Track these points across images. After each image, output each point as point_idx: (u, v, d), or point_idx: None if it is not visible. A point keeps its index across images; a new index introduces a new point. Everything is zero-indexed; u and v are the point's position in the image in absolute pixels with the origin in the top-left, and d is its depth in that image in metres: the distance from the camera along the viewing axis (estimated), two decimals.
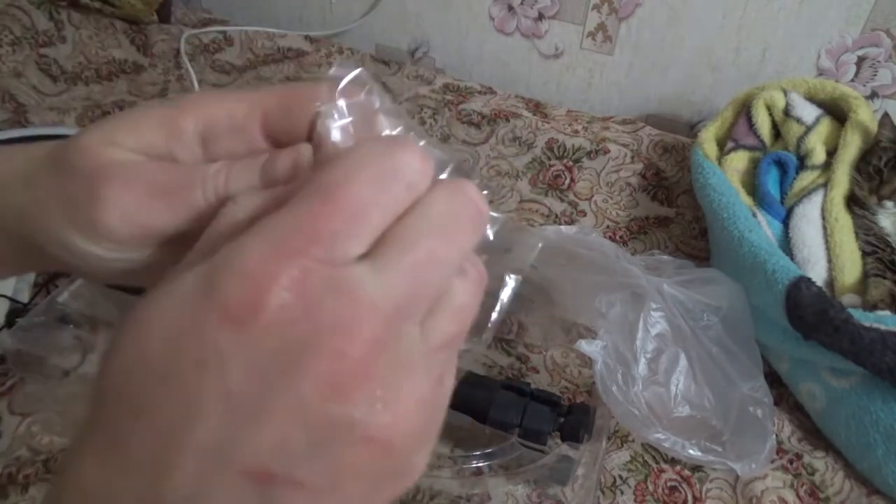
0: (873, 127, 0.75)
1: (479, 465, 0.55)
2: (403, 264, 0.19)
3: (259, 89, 0.25)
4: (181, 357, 0.17)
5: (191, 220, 0.22)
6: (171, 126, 0.24)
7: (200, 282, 0.18)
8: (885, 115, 0.73)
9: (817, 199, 0.72)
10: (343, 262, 0.18)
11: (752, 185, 0.78)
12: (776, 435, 0.60)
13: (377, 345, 0.18)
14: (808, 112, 0.79)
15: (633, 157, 0.91)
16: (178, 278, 0.18)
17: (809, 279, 0.59)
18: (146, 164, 0.23)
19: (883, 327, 0.54)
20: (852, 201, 0.72)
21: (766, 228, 0.71)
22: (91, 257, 0.23)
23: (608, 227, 0.86)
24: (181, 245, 0.21)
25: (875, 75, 0.91)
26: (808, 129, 0.78)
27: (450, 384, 0.21)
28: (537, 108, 1.01)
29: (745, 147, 0.81)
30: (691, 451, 0.53)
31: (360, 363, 0.17)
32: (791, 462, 0.60)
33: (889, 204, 0.69)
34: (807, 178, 0.76)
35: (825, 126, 0.78)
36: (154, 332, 0.18)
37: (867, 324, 0.55)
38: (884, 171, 0.69)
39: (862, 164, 0.72)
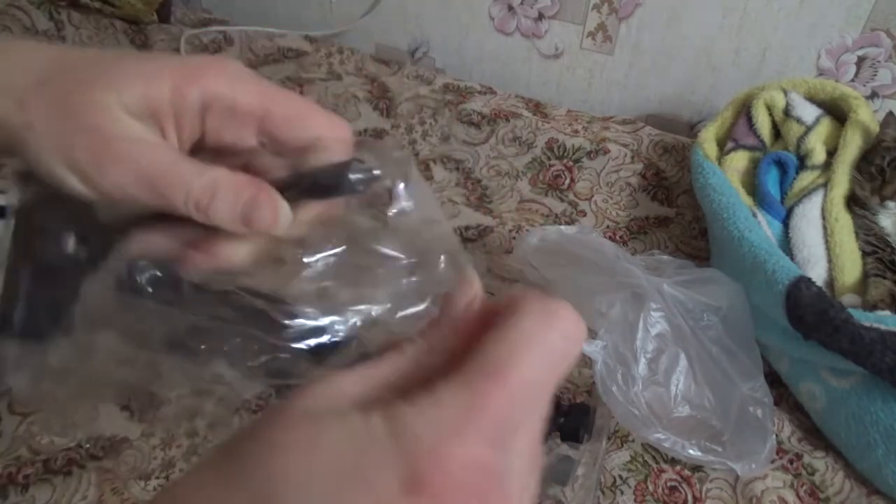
0: (874, 127, 0.75)
1: None
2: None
3: (269, 88, 0.26)
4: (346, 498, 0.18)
5: (166, 208, 0.24)
6: (178, 94, 0.24)
7: (387, 444, 0.18)
8: (889, 115, 0.73)
9: (817, 199, 0.72)
10: (506, 448, 0.19)
11: (752, 185, 0.78)
12: (776, 435, 0.60)
13: None
14: (808, 112, 0.79)
15: (633, 157, 0.91)
16: (357, 421, 0.19)
17: (809, 279, 0.59)
18: (146, 149, 0.24)
19: (883, 327, 0.54)
20: (852, 201, 0.72)
21: (766, 228, 0.71)
22: (70, 189, 0.24)
23: (608, 227, 0.86)
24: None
25: (875, 75, 0.91)
26: (808, 129, 0.78)
27: None
28: (537, 108, 1.01)
29: (745, 147, 0.81)
30: (691, 451, 0.53)
31: None
32: (791, 462, 0.60)
33: (891, 204, 0.69)
34: (807, 178, 0.76)
35: (825, 126, 0.78)
36: (326, 463, 0.18)
37: (867, 324, 0.55)
38: (886, 171, 0.69)
39: (863, 164, 0.72)
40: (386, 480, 0.18)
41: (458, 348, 0.21)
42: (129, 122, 0.24)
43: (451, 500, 0.18)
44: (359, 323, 0.26)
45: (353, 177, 0.25)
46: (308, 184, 0.26)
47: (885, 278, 0.65)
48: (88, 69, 0.24)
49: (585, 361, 0.66)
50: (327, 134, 0.26)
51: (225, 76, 0.25)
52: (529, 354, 0.20)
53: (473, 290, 0.24)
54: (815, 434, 0.62)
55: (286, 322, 0.32)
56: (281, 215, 0.25)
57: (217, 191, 0.24)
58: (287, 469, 0.18)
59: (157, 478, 0.54)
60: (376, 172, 0.25)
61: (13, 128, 0.24)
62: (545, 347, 0.20)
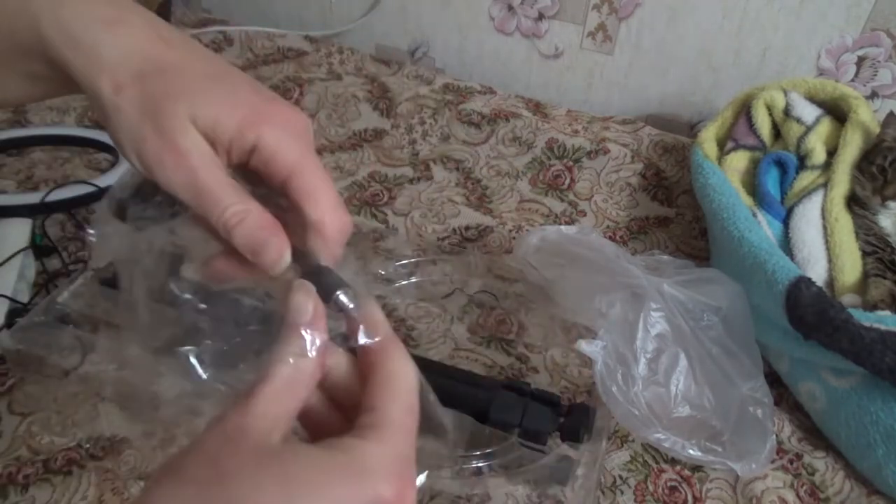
0: (874, 127, 0.75)
1: (479, 465, 0.55)
2: None
3: (306, 156, 0.31)
4: None
5: (201, 214, 0.29)
6: (240, 132, 0.29)
7: (351, 474, 0.25)
8: (891, 114, 0.72)
9: (817, 199, 0.72)
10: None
11: (752, 185, 0.78)
12: (776, 435, 0.60)
13: None
14: (808, 112, 0.79)
15: (633, 157, 0.91)
16: (322, 456, 0.25)
17: (809, 279, 0.59)
18: (203, 164, 0.29)
19: (883, 327, 0.54)
20: (852, 201, 0.72)
21: (766, 228, 0.71)
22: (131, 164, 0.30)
23: (608, 227, 0.86)
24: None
25: (875, 75, 0.91)
26: (808, 129, 0.78)
27: None
28: (537, 108, 1.01)
29: (745, 147, 0.81)
30: (691, 451, 0.53)
31: None
32: (791, 462, 0.60)
33: (893, 204, 0.69)
34: (807, 178, 0.76)
35: (825, 126, 0.78)
36: (305, 497, 0.24)
37: (867, 324, 0.55)
38: (888, 171, 0.69)
39: (864, 164, 0.72)
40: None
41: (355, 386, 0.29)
42: (196, 137, 0.28)
43: None
44: None
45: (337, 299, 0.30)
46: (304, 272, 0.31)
47: (885, 278, 0.65)
48: (178, 80, 0.29)
49: (585, 361, 0.67)
50: (327, 223, 0.30)
51: (282, 130, 0.30)
52: (410, 408, 0.28)
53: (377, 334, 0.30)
54: (815, 434, 0.62)
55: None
56: (281, 262, 0.30)
57: (245, 219, 0.29)
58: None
59: None
60: (352, 311, 0.30)
61: (105, 102, 0.28)
62: (413, 398, 0.29)
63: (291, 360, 0.27)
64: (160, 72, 0.29)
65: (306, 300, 0.28)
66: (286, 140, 0.30)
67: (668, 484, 0.58)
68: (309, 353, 0.27)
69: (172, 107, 0.28)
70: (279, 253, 0.29)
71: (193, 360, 0.50)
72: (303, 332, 0.28)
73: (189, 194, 0.29)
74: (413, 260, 0.78)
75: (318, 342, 0.28)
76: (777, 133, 0.83)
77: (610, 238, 0.84)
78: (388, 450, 0.26)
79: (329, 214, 0.30)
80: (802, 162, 0.78)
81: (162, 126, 0.28)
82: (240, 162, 0.30)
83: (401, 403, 0.28)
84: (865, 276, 0.67)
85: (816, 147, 0.77)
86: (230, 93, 0.30)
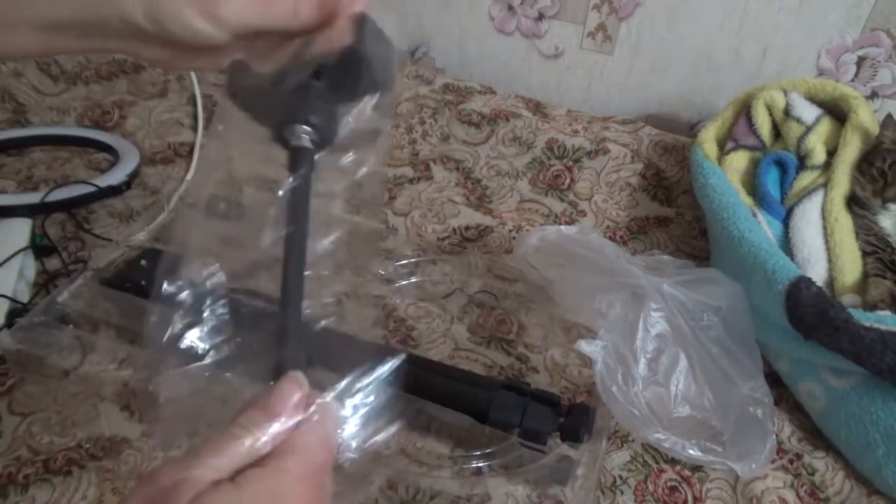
0: (874, 127, 0.75)
1: (479, 465, 0.55)
2: None
3: None
4: None
5: (274, 24, 0.33)
6: None
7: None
8: (889, 117, 0.72)
9: (817, 199, 0.72)
10: None
11: (752, 185, 0.78)
12: (776, 435, 0.60)
13: None
14: (808, 112, 0.79)
15: (633, 157, 0.91)
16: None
17: (809, 279, 0.59)
18: None
19: (883, 327, 0.54)
20: (852, 201, 0.72)
21: (766, 228, 0.71)
22: (198, 35, 0.33)
23: (608, 227, 0.86)
24: (256, 40, 0.35)
25: (875, 75, 0.91)
26: (809, 129, 0.78)
27: None
28: (537, 108, 1.01)
29: (745, 147, 0.81)
30: (691, 451, 0.53)
31: None
32: (791, 462, 0.60)
33: (893, 206, 0.69)
34: (807, 178, 0.76)
35: (825, 126, 0.78)
36: None
37: (867, 324, 0.55)
38: (888, 174, 0.69)
39: (864, 165, 0.72)
40: None
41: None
42: None
43: None
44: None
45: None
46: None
47: (885, 278, 0.65)
48: None
49: (585, 361, 0.67)
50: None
51: None
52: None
53: (298, 394, 0.30)
54: (815, 434, 0.62)
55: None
56: None
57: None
58: None
59: None
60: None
61: None
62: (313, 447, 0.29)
63: (247, 444, 0.28)
64: None
65: (292, 391, 0.30)
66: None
67: (668, 484, 0.58)
68: (266, 439, 0.28)
69: None
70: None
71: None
72: (275, 422, 0.28)
73: (255, 9, 0.33)
74: (413, 260, 0.78)
75: (280, 433, 0.29)
76: (777, 133, 0.83)
77: (610, 238, 0.84)
78: (290, 474, 0.28)
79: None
80: (802, 162, 0.77)
81: None
82: None
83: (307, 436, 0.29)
84: (865, 276, 0.67)
85: (816, 147, 0.77)
86: None
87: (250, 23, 0.33)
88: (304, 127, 0.35)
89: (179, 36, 0.33)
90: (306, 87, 0.35)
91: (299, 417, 0.29)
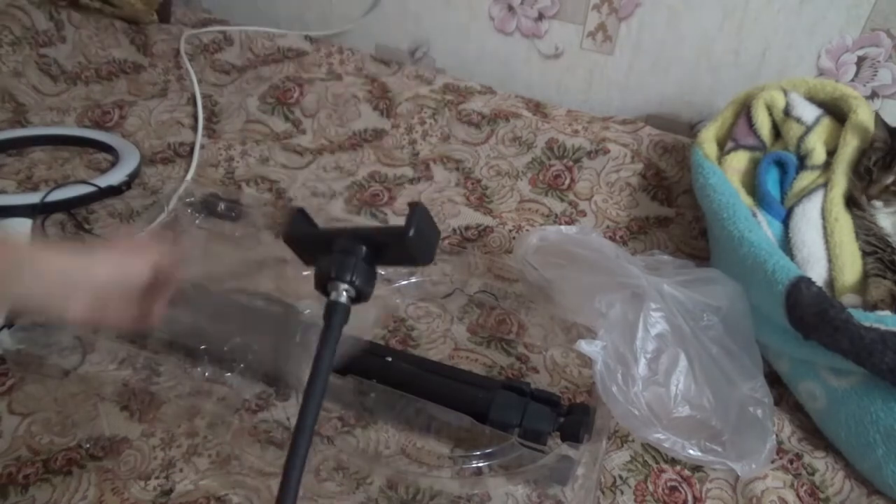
0: (873, 127, 0.75)
1: (479, 465, 0.55)
2: None
3: None
4: None
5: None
6: None
7: None
8: (877, 115, 0.73)
9: (817, 199, 0.72)
10: None
11: (752, 185, 0.78)
12: (776, 435, 0.60)
13: None
14: (808, 112, 0.79)
15: (633, 157, 0.91)
16: None
17: (809, 279, 0.59)
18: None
19: (883, 327, 0.54)
20: (851, 201, 0.72)
21: (766, 228, 0.71)
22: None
23: (608, 227, 0.86)
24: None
25: (875, 75, 0.91)
26: (808, 129, 0.78)
27: None
28: (537, 108, 1.01)
29: (745, 147, 0.81)
30: (691, 451, 0.53)
31: None
32: (791, 462, 0.60)
33: (878, 204, 0.69)
34: (807, 179, 0.76)
35: (825, 126, 0.78)
36: None
37: (867, 324, 0.55)
38: (873, 171, 0.70)
39: (857, 165, 0.72)
40: None
41: None
42: None
43: None
44: None
45: None
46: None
47: (885, 278, 0.65)
48: None
49: (585, 361, 0.67)
50: None
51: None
52: None
53: None
54: (815, 434, 0.62)
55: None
56: None
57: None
58: None
59: (157, 478, 0.54)
60: None
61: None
62: None
63: None
64: None
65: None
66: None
67: (668, 484, 0.58)
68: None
69: None
70: None
71: (193, 360, 0.51)
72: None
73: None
74: None
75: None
76: (777, 133, 0.83)
77: (610, 238, 0.84)
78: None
79: None
80: (802, 162, 0.77)
81: None
82: None
83: None
84: (865, 276, 0.67)
85: (816, 147, 0.77)
86: None
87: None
88: (344, 284, 0.40)
89: None
90: (353, 252, 0.40)
91: None
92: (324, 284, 0.41)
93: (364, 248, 0.41)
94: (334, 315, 0.40)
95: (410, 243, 0.40)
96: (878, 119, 0.72)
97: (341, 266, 0.40)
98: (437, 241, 0.43)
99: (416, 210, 0.40)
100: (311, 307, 0.64)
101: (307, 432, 0.36)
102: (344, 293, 0.40)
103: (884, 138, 0.71)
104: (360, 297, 0.41)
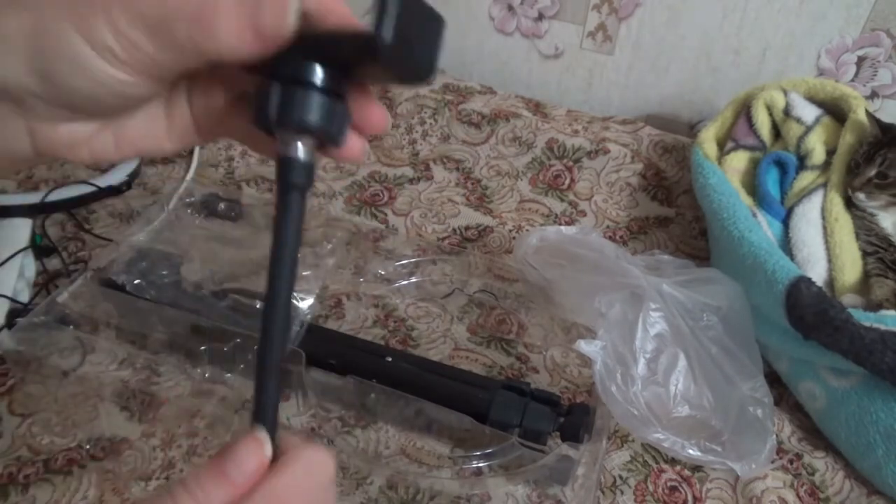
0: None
1: (479, 465, 0.55)
2: None
3: None
4: None
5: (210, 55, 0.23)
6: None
7: None
8: (867, 112, 0.73)
9: (817, 199, 0.72)
10: None
11: (752, 185, 0.78)
12: (776, 435, 0.60)
13: None
14: (808, 112, 0.79)
15: (633, 157, 0.91)
16: None
17: (809, 279, 0.59)
18: None
19: (883, 327, 0.54)
20: (851, 201, 0.72)
21: (766, 228, 0.71)
22: (102, 83, 0.23)
23: (608, 227, 0.86)
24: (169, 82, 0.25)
25: (875, 75, 0.91)
26: (808, 129, 0.78)
27: None
28: (537, 108, 1.01)
29: (745, 147, 0.81)
30: (691, 451, 0.53)
31: None
32: (791, 462, 0.60)
33: (861, 195, 0.69)
34: (807, 178, 0.76)
35: (825, 126, 0.78)
36: None
37: (867, 324, 0.55)
38: (861, 164, 0.70)
39: (850, 160, 0.73)
40: None
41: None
42: None
43: None
44: None
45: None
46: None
47: (887, 278, 0.65)
48: None
49: (585, 361, 0.67)
50: None
51: None
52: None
53: (262, 451, 0.26)
54: (815, 434, 0.62)
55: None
56: (290, 10, 0.22)
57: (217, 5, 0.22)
58: None
59: (158, 479, 0.54)
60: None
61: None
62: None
63: None
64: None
65: (250, 455, 0.26)
66: None
67: (668, 484, 0.58)
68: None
69: None
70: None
71: (193, 360, 0.50)
72: (224, 489, 0.25)
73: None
74: (413, 260, 0.78)
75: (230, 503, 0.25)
76: (777, 133, 0.83)
77: (610, 238, 0.84)
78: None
79: None
80: (802, 162, 0.77)
81: None
82: None
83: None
84: (866, 276, 0.67)
85: (816, 147, 0.77)
86: None
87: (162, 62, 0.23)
88: (295, 131, 0.26)
89: (83, 96, 0.23)
90: (302, 76, 0.25)
91: (252, 484, 0.25)
92: (269, 132, 0.26)
93: (319, 69, 0.25)
94: (288, 175, 0.26)
95: (387, 53, 0.23)
96: (869, 115, 0.73)
97: (287, 101, 0.25)
98: (440, 38, 0.27)
99: None
100: (312, 307, 0.64)
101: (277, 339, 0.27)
102: (299, 145, 0.26)
103: (874, 133, 0.71)
104: (328, 142, 0.27)
